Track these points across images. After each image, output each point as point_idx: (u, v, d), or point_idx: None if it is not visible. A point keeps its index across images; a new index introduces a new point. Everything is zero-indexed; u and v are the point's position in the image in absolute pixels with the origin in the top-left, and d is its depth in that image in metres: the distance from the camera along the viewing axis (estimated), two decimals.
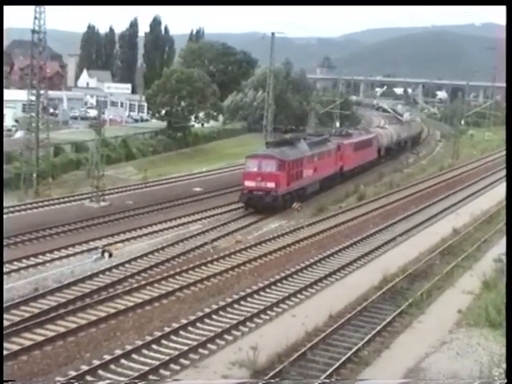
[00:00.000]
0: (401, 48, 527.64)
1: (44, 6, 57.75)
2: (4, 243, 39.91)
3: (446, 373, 24.69)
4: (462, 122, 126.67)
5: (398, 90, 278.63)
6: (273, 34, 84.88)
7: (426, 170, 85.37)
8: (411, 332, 29.13)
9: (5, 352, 25.39)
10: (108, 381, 20.54)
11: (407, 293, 33.74)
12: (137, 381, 19.60)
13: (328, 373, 24.31)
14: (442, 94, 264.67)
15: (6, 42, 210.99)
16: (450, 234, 46.04)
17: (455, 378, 21.19)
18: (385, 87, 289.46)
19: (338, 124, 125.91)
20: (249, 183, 51.93)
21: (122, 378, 21.26)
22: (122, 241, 42.08)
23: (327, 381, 18.42)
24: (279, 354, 25.86)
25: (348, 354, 25.99)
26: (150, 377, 24.12)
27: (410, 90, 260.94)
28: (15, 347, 25.88)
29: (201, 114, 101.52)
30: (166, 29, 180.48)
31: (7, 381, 14.25)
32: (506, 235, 37.08)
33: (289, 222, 49.87)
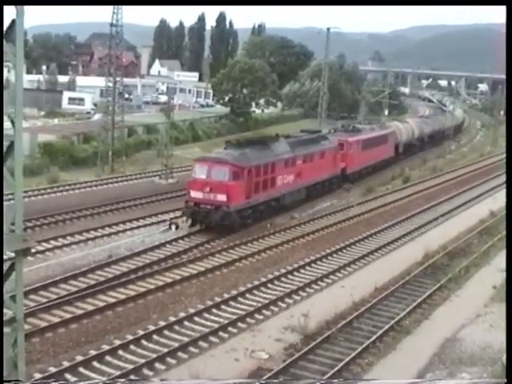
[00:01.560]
0: (445, 44, 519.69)
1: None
2: (82, 214, 40.48)
3: (480, 343, 24.50)
4: (502, 113, 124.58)
5: (443, 83, 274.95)
6: (328, 29, 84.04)
7: (467, 156, 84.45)
8: (449, 305, 28.90)
9: (80, 311, 25.77)
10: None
11: (447, 269, 33.45)
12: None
13: (372, 339, 24.22)
14: (483, 87, 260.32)
15: (86, 35, 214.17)
16: (488, 216, 45.57)
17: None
18: (430, 79, 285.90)
19: (386, 112, 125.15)
20: (195, 194, 37.88)
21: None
22: None
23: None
24: (328, 321, 25.84)
25: (391, 323, 25.87)
26: (212, 339, 24.27)
27: (453, 83, 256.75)
28: (90, 307, 26.22)
29: (261, 101, 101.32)
30: (230, 23, 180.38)
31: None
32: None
33: (340, 201, 49.67)
